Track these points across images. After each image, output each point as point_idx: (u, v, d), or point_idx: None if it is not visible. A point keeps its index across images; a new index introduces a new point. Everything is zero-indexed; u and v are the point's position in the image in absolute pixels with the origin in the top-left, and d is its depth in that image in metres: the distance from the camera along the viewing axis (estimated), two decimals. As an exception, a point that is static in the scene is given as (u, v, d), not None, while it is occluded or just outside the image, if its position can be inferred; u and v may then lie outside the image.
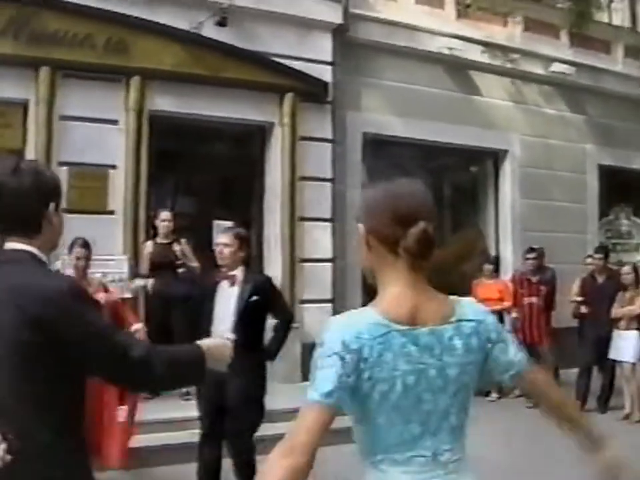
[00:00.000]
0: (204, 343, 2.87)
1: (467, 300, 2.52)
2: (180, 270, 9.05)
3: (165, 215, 9.38)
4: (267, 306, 6.36)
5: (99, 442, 6.10)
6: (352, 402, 2.33)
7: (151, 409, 7.77)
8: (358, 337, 2.27)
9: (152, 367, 2.57)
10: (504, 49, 12.99)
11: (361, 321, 2.31)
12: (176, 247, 9.18)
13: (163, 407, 8.18)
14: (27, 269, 2.62)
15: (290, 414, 8.80)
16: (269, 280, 6.75)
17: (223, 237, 6.35)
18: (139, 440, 7.12)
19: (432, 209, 2.40)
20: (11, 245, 2.65)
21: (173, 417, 8.03)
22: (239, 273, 6.26)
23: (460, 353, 2.37)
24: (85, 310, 2.57)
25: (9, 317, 2.47)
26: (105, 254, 8.40)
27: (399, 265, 2.36)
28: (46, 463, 2.46)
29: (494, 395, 10.91)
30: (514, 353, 2.51)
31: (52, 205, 2.69)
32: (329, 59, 11.13)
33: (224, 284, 6.26)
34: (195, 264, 9.13)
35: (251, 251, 7.48)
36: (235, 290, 6.22)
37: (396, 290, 2.37)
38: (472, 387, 2.45)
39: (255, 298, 6.19)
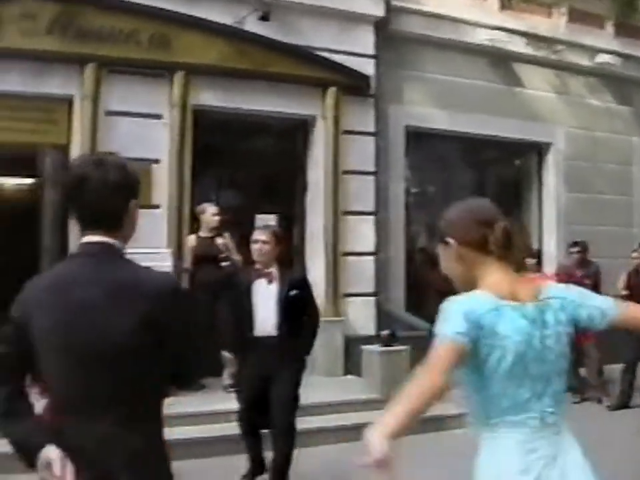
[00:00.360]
0: None
1: (549, 283, 3.04)
2: (223, 263, 9.10)
3: (213, 209, 9.43)
4: (304, 301, 6.43)
5: None
6: (471, 368, 2.74)
7: (194, 402, 7.86)
8: (475, 309, 2.69)
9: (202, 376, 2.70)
10: (548, 41, 12.84)
11: (475, 298, 2.75)
12: (219, 241, 9.25)
13: (206, 399, 8.26)
14: (125, 263, 2.67)
15: (332, 407, 8.96)
16: (304, 278, 6.84)
17: (261, 234, 6.42)
18: (183, 432, 7.19)
19: (501, 213, 2.91)
20: (94, 237, 2.64)
21: (216, 409, 8.08)
22: (274, 270, 6.34)
23: (552, 325, 2.80)
24: (190, 308, 2.73)
25: (119, 313, 2.50)
26: (150, 247, 8.47)
27: (490, 261, 2.84)
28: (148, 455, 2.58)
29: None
30: (601, 303, 2.91)
31: (133, 201, 2.72)
32: (372, 52, 11.11)
33: (261, 281, 6.33)
34: (237, 257, 9.19)
35: (286, 249, 7.51)
36: (274, 287, 6.29)
37: (494, 278, 2.82)
38: (566, 355, 2.86)
39: (294, 292, 6.27)
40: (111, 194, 2.61)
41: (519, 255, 2.88)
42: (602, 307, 2.90)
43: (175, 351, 2.61)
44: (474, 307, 2.70)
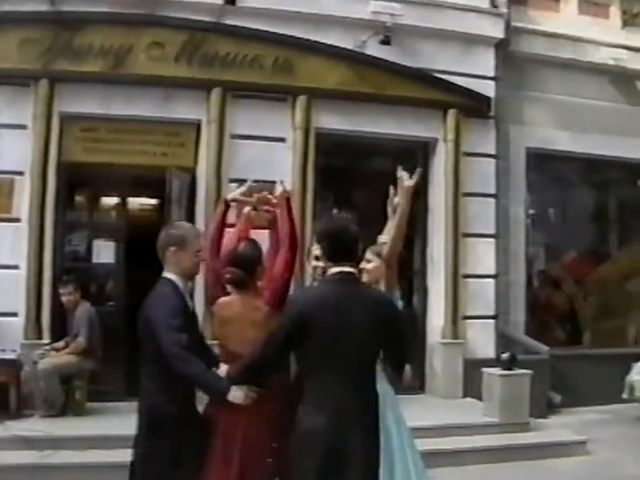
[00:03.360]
0: None
1: None
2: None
3: None
4: None
5: None
6: None
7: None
8: None
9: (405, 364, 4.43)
10: (672, 58, 12.52)
11: None
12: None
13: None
14: (362, 285, 4.25)
15: (451, 429, 8.90)
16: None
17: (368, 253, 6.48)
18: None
19: None
20: (343, 268, 3.87)
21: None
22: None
23: None
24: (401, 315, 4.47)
25: (370, 318, 3.79)
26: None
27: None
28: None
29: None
30: None
31: None
32: (492, 73, 11.08)
33: None
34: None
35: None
36: None
37: None
38: None
39: None
40: (357, 240, 3.99)
41: None
42: None
43: (394, 344, 3.95)
44: None
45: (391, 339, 3.89)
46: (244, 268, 4.21)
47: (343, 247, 3.89)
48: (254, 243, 4.39)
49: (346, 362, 3.71)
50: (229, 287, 4.33)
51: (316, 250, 4.76)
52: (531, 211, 12.04)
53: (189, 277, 4.44)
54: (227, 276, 4.24)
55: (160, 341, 3.98)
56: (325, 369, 3.70)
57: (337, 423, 3.62)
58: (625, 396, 10.62)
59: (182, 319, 4.05)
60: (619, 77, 12.24)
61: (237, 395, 3.92)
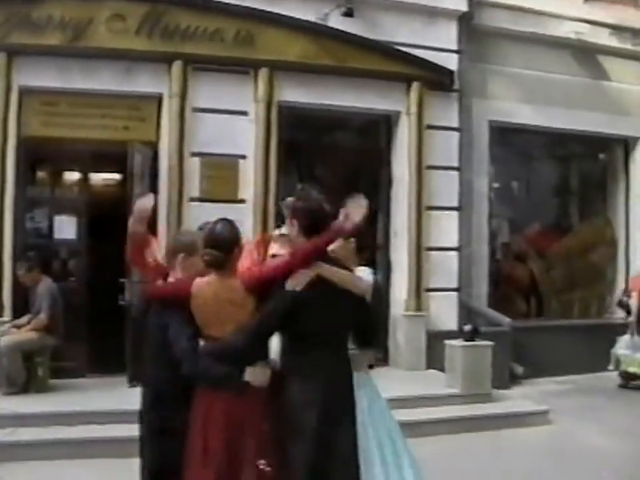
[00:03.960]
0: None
1: None
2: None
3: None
4: None
5: None
6: None
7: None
8: None
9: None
10: (635, 32, 12.59)
11: None
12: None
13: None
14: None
15: (414, 401, 8.96)
16: None
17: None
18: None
19: None
20: None
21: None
22: None
23: None
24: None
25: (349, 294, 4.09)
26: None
27: None
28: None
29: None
30: None
31: None
32: (455, 46, 11.06)
33: None
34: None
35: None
36: None
37: None
38: None
39: None
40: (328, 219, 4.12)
41: None
42: None
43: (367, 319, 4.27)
44: None
45: (364, 313, 4.24)
46: (222, 249, 4.17)
47: (318, 223, 4.07)
48: (231, 224, 4.35)
49: (335, 334, 4.13)
50: (206, 269, 4.29)
51: (280, 231, 4.80)
52: (495, 184, 12.10)
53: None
54: (206, 258, 4.21)
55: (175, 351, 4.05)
56: (317, 341, 4.03)
57: (330, 390, 4.01)
58: (610, 368, 10.90)
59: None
60: (581, 51, 12.31)
61: (255, 373, 3.97)
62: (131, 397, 8.33)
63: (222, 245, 4.14)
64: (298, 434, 3.96)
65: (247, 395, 4.01)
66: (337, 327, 4.15)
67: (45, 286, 8.83)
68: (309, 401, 3.98)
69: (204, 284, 4.17)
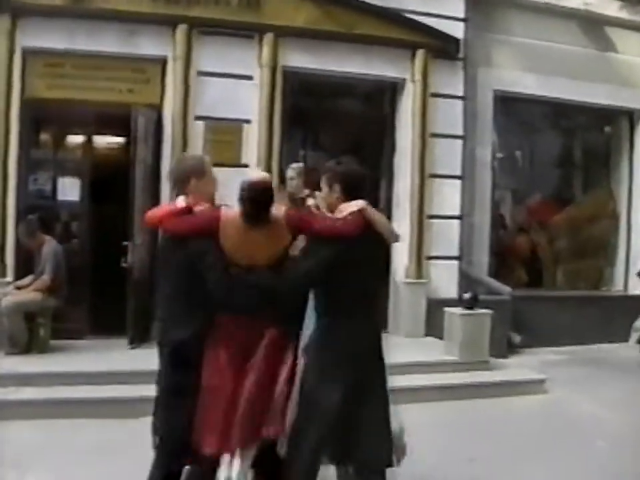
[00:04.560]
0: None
1: None
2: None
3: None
4: None
5: None
6: None
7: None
8: None
9: None
10: (644, 4, 12.51)
11: None
12: (310, 202, 9.30)
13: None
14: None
15: (411, 367, 9.03)
16: None
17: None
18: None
19: None
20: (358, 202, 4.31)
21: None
22: None
23: None
24: None
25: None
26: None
27: None
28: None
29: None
30: None
31: None
32: (461, 15, 10.97)
33: None
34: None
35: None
36: None
37: None
38: None
39: None
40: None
41: None
42: None
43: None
44: None
45: (384, 273, 4.65)
46: (261, 199, 4.20)
47: (359, 188, 4.35)
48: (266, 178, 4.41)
49: (366, 294, 4.31)
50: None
51: (316, 198, 5.14)
52: (498, 154, 12.09)
53: (212, 201, 4.57)
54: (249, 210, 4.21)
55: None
56: (351, 300, 4.21)
57: (363, 348, 4.27)
58: (630, 342, 10.91)
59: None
60: (588, 22, 12.22)
61: None
62: (131, 358, 8.51)
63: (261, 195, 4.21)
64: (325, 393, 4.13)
65: (272, 332, 4.15)
66: (371, 283, 4.36)
67: (49, 247, 8.85)
68: (345, 360, 4.16)
69: (234, 214, 4.20)
